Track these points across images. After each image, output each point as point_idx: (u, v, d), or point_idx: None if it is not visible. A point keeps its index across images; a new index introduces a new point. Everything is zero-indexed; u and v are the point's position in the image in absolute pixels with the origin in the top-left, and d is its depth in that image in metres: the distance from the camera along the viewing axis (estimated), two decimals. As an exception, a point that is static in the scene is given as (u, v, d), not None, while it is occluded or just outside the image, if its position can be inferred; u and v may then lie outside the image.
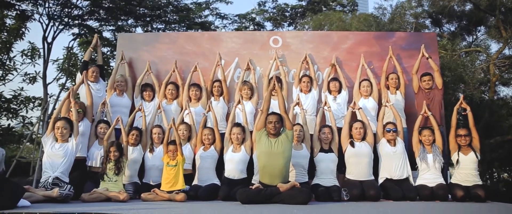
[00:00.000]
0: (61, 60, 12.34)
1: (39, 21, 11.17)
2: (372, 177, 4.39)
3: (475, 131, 4.41)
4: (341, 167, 4.51)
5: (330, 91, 5.22)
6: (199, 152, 4.56)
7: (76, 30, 11.93)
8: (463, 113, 4.64)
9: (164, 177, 4.22)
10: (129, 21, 12.50)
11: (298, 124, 4.59)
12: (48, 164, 3.96)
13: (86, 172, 4.46)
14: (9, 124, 11.33)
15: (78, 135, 4.14)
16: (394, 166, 4.40)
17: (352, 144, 4.42)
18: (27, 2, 10.66)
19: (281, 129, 3.88)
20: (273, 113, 3.97)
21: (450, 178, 4.57)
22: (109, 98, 5.14)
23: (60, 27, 11.49)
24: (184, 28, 12.92)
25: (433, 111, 4.84)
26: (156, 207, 3.27)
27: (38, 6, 10.88)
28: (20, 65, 11.74)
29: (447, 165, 4.93)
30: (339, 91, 5.20)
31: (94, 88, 5.00)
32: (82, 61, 5.37)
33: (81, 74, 4.95)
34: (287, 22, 15.83)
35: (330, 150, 4.45)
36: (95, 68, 5.20)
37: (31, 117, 12.20)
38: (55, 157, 3.97)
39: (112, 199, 3.81)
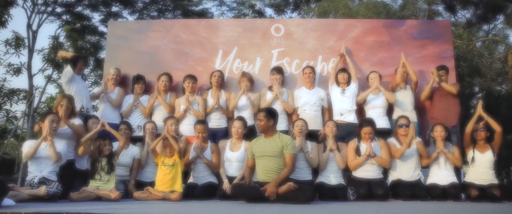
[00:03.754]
0: (47, 50, 12.33)
1: (23, 7, 11.15)
2: (381, 176, 4.41)
3: (497, 124, 4.41)
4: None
5: (338, 84, 5.20)
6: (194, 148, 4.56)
7: (63, 17, 11.90)
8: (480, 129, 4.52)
9: (159, 177, 4.18)
10: (118, 8, 12.45)
11: (301, 119, 4.60)
12: (34, 166, 3.95)
13: (75, 170, 4.47)
14: (-9, 118, 11.38)
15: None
16: (404, 167, 4.41)
17: (358, 151, 4.39)
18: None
19: (278, 133, 3.92)
20: (261, 110, 4.03)
21: (464, 176, 4.59)
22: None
23: (46, 14, 11.46)
24: (180, 17, 12.89)
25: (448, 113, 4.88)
26: (150, 207, 3.29)
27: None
28: (3, 55, 11.74)
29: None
30: (348, 83, 5.18)
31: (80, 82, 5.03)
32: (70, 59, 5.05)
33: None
34: (290, 9, 15.76)
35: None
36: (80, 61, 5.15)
37: (16, 110, 12.22)
38: (41, 158, 3.96)
39: (103, 198, 3.83)
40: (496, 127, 4.40)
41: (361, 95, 5.06)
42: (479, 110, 4.50)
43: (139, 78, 5.34)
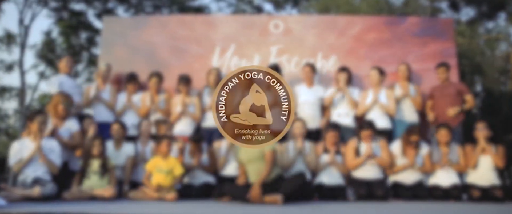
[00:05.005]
0: (40, 46, 12.29)
1: (15, 1, 11.11)
2: (381, 176, 4.41)
3: (501, 159, 4.30)
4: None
5: (338, 83, 5.14)
6: (189, 147, 4.56)
7: (56, 12, 11.85)
8: None
9: (154, 183, 4.07)
10: (113, 3, 12.42)
11: (300, 120, 4.56)
12: (27, 166, 3.87)
13: (69, 170, 4.43)
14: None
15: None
16: (406, 172, 4.41)
17: (357, 152, 4.38)
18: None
19: None
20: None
21: (466, 177, 4.60)
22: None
23: (39, 6, 11.40)
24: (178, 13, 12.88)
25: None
26: (146, 207, 3.29)
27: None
28: (-5, 51, 11.69)
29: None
30: (349, 82, 5.09)
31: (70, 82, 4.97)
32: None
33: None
34: (290, 5, 15.77)
35: (336, 152, 4.44)
36: (68, 59, 5.11)
37: (7, 108, 12.20)
38: (35, 159, 3.90)
39: (97, 197, 3.82)
40: (500, 163, 4.30)
41: (360, 109, 4.94)
42: (482, 144, 4.35)
43: (131, 78, 5.25)
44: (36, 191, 3.53)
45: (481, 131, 4.41)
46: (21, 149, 3.92)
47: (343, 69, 5.11)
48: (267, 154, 3.71)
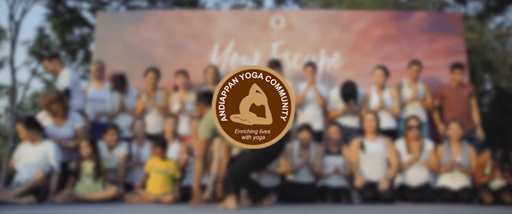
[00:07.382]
0: (32, 42, 12.28)
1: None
2: (387, 177, 4.40)
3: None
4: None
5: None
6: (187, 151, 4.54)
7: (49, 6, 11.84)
8: None
9: (151, 184, 4.08)
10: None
11: (307, 128, 4.49)
12: (23, 168, 3.87)
13: (68, 170, 4.38)
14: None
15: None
16: (413, 169, 4.39)
17: (362, 147, 4.38)
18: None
19: None
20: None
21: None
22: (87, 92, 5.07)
23: (30, 3, 11.40)
24: (177, 8, 12.85)
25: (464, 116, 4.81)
26: (143, 210, 3.27)
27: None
28: (-16, 48, 11.68)
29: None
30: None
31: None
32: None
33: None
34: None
35: (339, 153, 4.42)
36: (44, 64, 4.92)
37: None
38: (31, 162, 3.89)
39: (96, 201, 3.79)
40: None
41: (364, 113, 4.83)
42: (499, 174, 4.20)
43: (120, 80, 5.06)
44: (39, 174, 3.62)
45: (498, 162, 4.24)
46: (21, 154, 3.95)
47: (347, 86, 4.85)
48: (198, 143, 3.64)
